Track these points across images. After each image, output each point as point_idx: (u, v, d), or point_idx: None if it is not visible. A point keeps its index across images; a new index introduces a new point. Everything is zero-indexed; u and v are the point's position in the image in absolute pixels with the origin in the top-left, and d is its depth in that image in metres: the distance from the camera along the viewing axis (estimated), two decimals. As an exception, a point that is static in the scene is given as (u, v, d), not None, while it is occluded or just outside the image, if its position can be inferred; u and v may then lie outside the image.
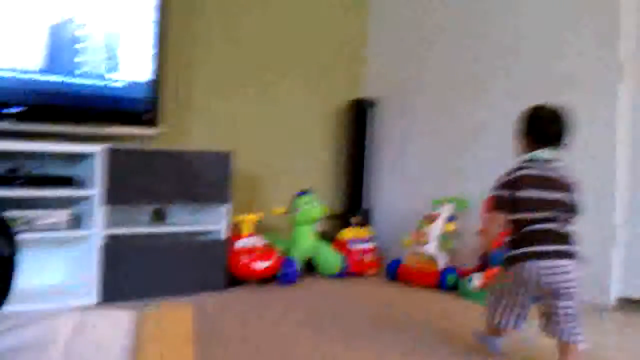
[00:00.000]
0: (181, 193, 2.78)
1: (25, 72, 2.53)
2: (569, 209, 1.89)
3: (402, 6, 3.88)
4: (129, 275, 2.61)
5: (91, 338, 0.96)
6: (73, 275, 2.70)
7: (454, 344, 2.16)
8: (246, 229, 3.07)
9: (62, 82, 2.62)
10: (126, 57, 2.77)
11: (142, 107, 2.82)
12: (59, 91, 2.62)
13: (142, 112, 2.82)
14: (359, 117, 3.85)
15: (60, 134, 2.63)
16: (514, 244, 1.89)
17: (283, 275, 3.05)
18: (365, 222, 3.74)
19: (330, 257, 3.28)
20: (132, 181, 2.63)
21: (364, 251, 3.43)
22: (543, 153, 1.92)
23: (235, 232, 3.03)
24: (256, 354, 1.98)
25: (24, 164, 2.59)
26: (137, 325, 0.99)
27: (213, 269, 2.85)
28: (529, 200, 1.87)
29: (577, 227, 1.91)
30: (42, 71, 2.57)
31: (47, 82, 2.59)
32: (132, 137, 2.85)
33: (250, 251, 2.98)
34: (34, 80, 2.56)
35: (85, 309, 1.06)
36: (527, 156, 1.94)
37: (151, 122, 2.84)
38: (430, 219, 3.26)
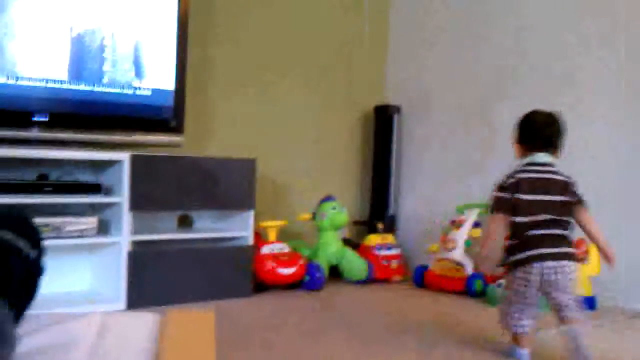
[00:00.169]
0: (206, 199, 2.80)
1: (54, 81, 2.57)
2: (568, 211, 1.94)
3: (422, 11, 3.86)
4: (156, 281, 2.63)
5: (115, 341, 0.96)
6: (100, 281, 2.72)
7: (482, 350, 2.13)
8: (272, 235, 3.07)
9: (89, 90, 2.66)
10: (151, 66, 2.80)
11: (168, 114, 2.84)
12: (85, 99, 2.65)
13: (167, 120, 2.84)
14: (383, 122, 3.83)
15: (87, 141, 2.66)
16: (516, 247, 1.94)
17: (308, 281, 3.04)
18: (390, 228, 3.71)
19: (356, 263, 3.27)
20: (158, 188, 2.65)
21: (390, 257, 3.40)
22: (539, 157, 1.98)
23: (259, 238, 3.03)
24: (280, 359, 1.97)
25: (52, 172, 2.63)
26: (160, 330, 0.99)
27: (238, 275, 2.86)
28: (528, 203, 1.93)
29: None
30: (70, 80, 2.61)
31: (74, 90, 2.63)
32: (157, 145, 2.87)
33: (275, 257, 2.98)
34: (62, 89, 2.60)
35: (111, 313, 1.07)
36: (525, 160, 2.01)
37: (177, 130, 2.86)
38: (457, 224, 3.23)
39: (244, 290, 2.85)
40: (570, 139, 2.94)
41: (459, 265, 3.12)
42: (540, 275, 1.88)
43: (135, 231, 2.61)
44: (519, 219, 1.93)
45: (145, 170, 2.61)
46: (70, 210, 2.58)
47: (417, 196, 3.80)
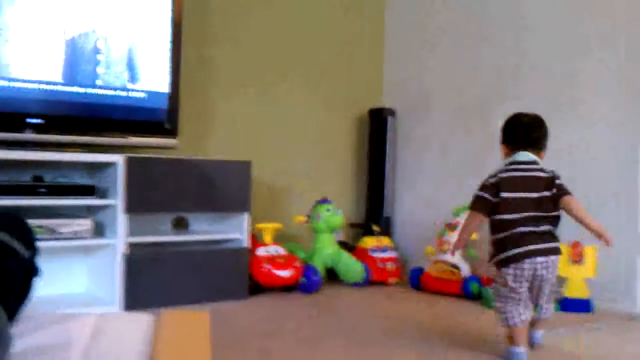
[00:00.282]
0: (202, 202, 2.79)
1: (48, 83, 2.57)
2: (555, 206, 1.99)
3: (423, 12, 3.87)
4: (151, 283, 2.62)
5: (109, 342, 0.95)
6: (96, 284, 2.71)
7: (479, 352, 2.12)
8: (267, 237, 3.06)
9: (84, 92, 2.65)
10: (145, 68, 2.79)
11: (162, 117, 2.83)
12: (80, 102, 2.65)
13: (162, 122, 2.84)
14: (379, 125, 3.83)
15: (82, 143, 2.66)
16: (506, 244, 1.99)
17: (305, 283, 3.03)
18: (386, 230, 3.71)
19: (352, 266, 3.26)
20: (153, 190, 2.64)
21: (386, 260, 3.40)
22: (522, 155, 2.05)
23: (255, 240, 3.02)
24: (277, 362, 1.97)
25: (47, 174, 2.62)
26: (154, 332, 0.98)
27: (234, 277, 2.85)
28: (512, 201, 1.99)
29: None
30: (64, 82, 2.60)
31: (69, 93, 2.62)
32: (152, 147, 2.86)
33: (271, 259, 2.97)
34: (56, 92, 2.59)
35: (105, 314, 1.06)
36: (508, 160, 2.08)
37: (171, 132, 2.85)
38: (452, 227, 3.22)
39: (239, 293, 2.84)
40: (571, 140, 2.99)
41: (455, 267, 3.11)
42: (532, 271, 1.96)
43: (131, 233, 2.60)
44: (505, 216, 1.99)
45: (140, 173, 2.60)
46: (65, 212, 2.57)
47: (416, 198, 3.80)
